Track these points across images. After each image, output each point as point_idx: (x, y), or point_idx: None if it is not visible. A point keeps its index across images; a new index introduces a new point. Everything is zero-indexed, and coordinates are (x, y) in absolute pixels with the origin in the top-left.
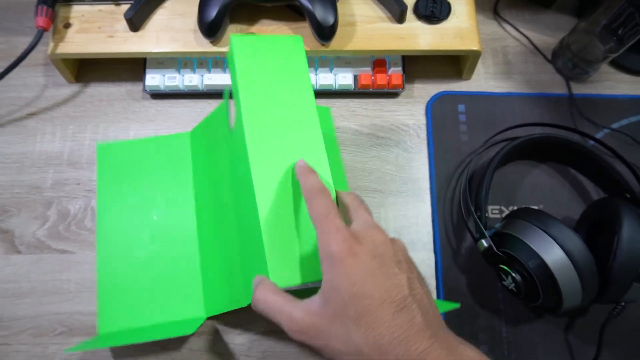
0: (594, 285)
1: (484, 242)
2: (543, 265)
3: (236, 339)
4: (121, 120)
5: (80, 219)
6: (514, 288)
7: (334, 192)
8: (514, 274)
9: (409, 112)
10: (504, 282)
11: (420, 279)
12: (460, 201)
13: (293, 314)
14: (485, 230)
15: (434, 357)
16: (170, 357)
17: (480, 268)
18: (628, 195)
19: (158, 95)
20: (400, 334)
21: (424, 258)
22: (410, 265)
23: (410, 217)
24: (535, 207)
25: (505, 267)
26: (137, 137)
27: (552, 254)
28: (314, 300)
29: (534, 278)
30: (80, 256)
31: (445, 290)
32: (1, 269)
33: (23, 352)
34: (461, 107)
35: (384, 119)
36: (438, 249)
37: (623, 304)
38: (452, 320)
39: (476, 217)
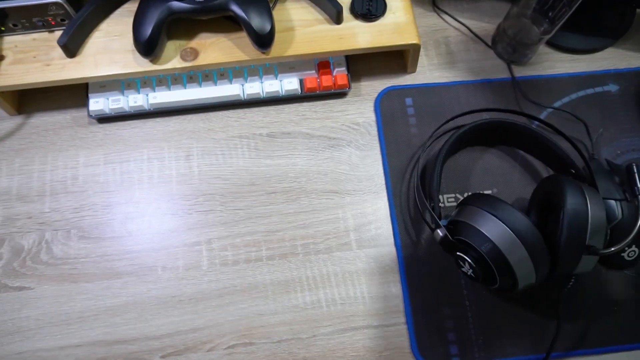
0: (545, 262)
1: (439, 232)
2: (495, 248)
3: (206, 356)
4: (69, 148)
5: (35, 253)
6: (472, 274)
7: None
8: (470, 260)
9: (358, 110)
10: (463, 269)
11: None
12: (415, 194)
13: None
14: (440, 219)
15: None
16: None
17: (441, 257)
18: (573, 171)
19: (104, 119)
20: None
21: (386, 253)
22: None
23: (368, 215)
24: (488, 192)
25: (462, 254)
26: (87, 163)
27: (502, 236)
28: None
29: (488, 261)
30: (38, 291)
31: (409, 282)
32: None
33: None
34: (409, 101)
35: (334, 120)
36: (398, 243)
37: (574, 277)
38: (418, 312)
39: (430, 208)
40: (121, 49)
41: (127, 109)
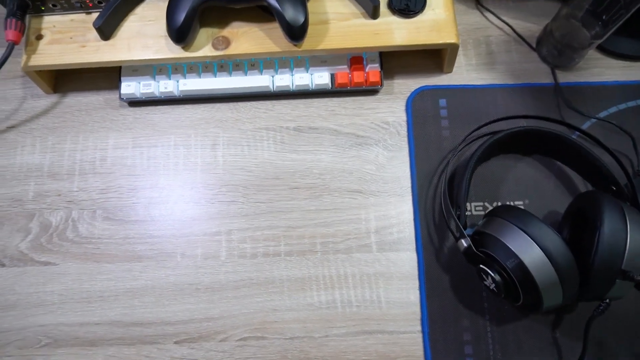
0: (575, 284)
1: (463, 242)
2: (521, 265)
3: (218, 347)
4: (99, 129)
5: (62, 230)
6: (494, 288)
7: None
8: (493, 274)
9: (389, 109)
10: (485, 282)
11: None
12: (441, 199)
13: None
14: (466, 229)
15: None
16: None
17: (463, 267)
18: (614, 188)
19: (135, 102)
20: None
21: (407, 258)
22: None
23: (391, 218)
24: (519, 203)
25: (485, 267)
26: (116, 146)
27: (531, 254)
28: None
29: (513, 278)
30: (62, 267)
31: (428, 289)
32: None
33: None
34: (442, 102)
35: (363, 117)
36: (420, 248)
37: (607, 300)
38: (436, 321)
39: (455, 217)
40: (154, 34)
41: (157, 94)
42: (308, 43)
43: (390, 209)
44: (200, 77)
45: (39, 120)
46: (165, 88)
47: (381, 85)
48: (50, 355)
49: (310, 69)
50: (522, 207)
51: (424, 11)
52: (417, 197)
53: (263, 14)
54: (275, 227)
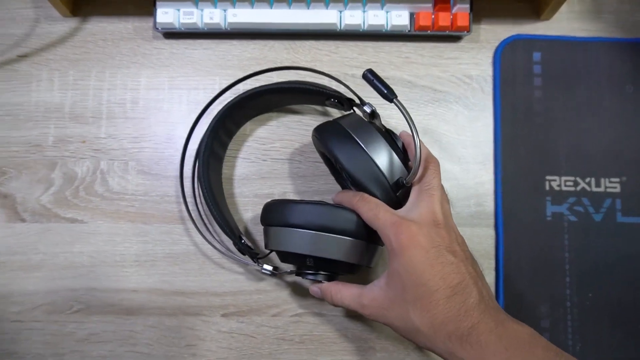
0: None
1: (266, 267)
2: (318, 258)
3: (270, 322)
4: (129, 64)
5: (89, 183)
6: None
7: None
8: (315, 278)
9: (473, 60)
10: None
11: (474, 263)
12: (528, 171)
13: (362, 301)
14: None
15: (482, 329)
16: (198, 337)
17: (547, 249)
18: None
19: (172, 34)
20: (452, 314)
21: (484, 235)
22: (465, 252)
23: (469, 188)
24: (615, 180)
25: (304, 277)
26: (149, 86)
27: (317, 243)
28: (377, 285)
29: (321, 267)
30: (92, 226)
31: (506, 271)
32: (4, 238)
33: (38, 329)
34: (536, 56)
35: (442, 69)
36: (500, 225)
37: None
38: (511, 307)
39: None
40: None
41: (200, 25)
42: None
43: (468, 178)
44: (252, 8)
45: (56, 50)
46: (211, 19)
47: (469, 31)
48: (84, 322)
49: (387, 5)
50: (618, 184)
51: None
52: (501, 166)
53: None
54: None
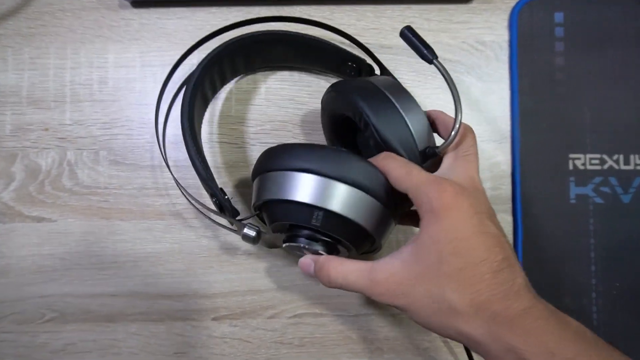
0: (394, 196)
1: (248, 232)
2: (329, 213)
3: (267, 324)
4: (94, 39)
5: (55, 176)
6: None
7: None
8: (308, 246)
9: (487, 24)
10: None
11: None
12: (549, 149)
13: (375, 277)
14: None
15: (537, 314)
16: (188, 343)
17: (571, 236)
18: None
19: (142, 2)
20: (500, 293)
21: (501, 221)
22: (499, 225)
23: (484, 170)
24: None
25: (293, 243)
26: (119, 63)
27: (334, 194)
28: (397, 258)
29: (329, 234)
30: (61, 225)
31: (525, 260)
32: None
33: (8, 342)
34: (559, 17)
35: (452, 34)
36: (519, 210)
37: None
38: None
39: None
40: None
41: None
42: None
43: (482, 158)
44: None
45: (7, 23)
46: None
47: None
48: (59, 331)
49: None
50: None
51: None
52: (519, 145)
53: None
54: None
